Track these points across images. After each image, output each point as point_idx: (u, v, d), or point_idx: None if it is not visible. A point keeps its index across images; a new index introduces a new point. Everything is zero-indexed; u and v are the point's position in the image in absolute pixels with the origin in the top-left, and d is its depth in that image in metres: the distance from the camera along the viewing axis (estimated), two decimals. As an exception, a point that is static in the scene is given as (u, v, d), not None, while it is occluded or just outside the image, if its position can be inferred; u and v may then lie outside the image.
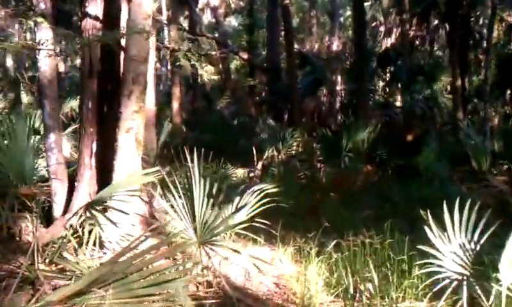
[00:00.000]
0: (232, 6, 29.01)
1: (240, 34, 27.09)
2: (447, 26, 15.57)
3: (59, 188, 5.15)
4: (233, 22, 29.57)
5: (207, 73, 31.69)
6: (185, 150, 4.58)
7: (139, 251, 2.63)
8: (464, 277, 3.40)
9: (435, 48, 22.37)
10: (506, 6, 15.75)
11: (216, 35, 18.44)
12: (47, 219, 5.08)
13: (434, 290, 3.49)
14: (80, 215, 4.35)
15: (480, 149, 10.25)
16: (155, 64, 6.86)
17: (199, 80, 23.44)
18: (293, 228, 5.93)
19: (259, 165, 10.76)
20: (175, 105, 14.46)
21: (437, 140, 11.48)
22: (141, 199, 4.72)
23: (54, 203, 5.06)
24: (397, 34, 18.58)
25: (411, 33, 16.57)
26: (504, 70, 14.79)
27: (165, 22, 12.68)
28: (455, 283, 3.41)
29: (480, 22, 18.80)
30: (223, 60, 27.57)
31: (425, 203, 4.47)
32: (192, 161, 4.44)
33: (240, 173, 10.06)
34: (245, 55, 15.98)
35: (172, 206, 3.98)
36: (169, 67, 19.96)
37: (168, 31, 14.00)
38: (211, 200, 4.05)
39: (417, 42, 18.60)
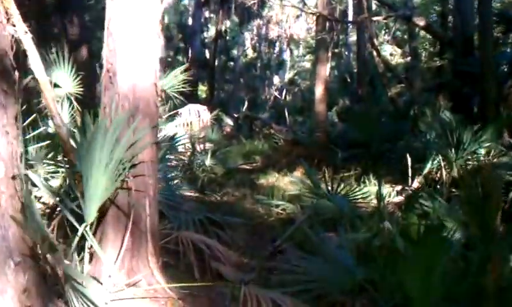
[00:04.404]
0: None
1: (430, 5, 22.30)
2: None
3: None
4: None
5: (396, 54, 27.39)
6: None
7: None
8: None
9: None
10: None
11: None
12: None
13: None
14: None
15: None
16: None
17: (376, 60, 19.56)
18: None
19: (414, 184, 6.76)
20: (319, 88, 11.00)
21: None
22: None
23: None
24: None
25: None
26: None
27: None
28: None
29: None
30: (410, 39, 23.19)
31: None
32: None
33: (372, 192, 6.24)
34: (421, 22, 11.66)
35: None
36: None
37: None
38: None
39: None
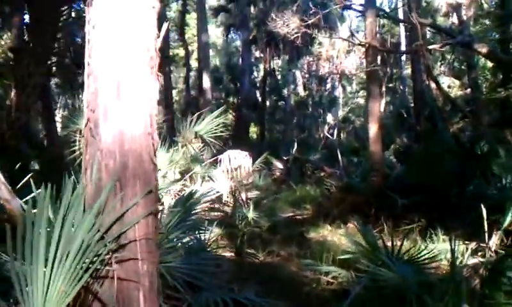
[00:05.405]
0: (485, 6, 23.17)
1: (488, 32, 20.99)
2: None
3: None
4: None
5: (455, 86, 25.96)
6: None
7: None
8: None
9: None
10: None
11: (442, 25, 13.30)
12: None
13: None
14: None
15: None
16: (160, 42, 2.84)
17: (434, 93, 18.36)
18: None
19: (492, 241, 5.63)
20: (373, 127, 10.01)
21: None
22: None
23: None
24: None
25: None
26: None
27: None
28: None
29: None
30: (468, 70, 21.91)
31: None
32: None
33: (442, 250, 5.19)
34: (484, 49, 10.57)
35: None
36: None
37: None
38: None
39: None
